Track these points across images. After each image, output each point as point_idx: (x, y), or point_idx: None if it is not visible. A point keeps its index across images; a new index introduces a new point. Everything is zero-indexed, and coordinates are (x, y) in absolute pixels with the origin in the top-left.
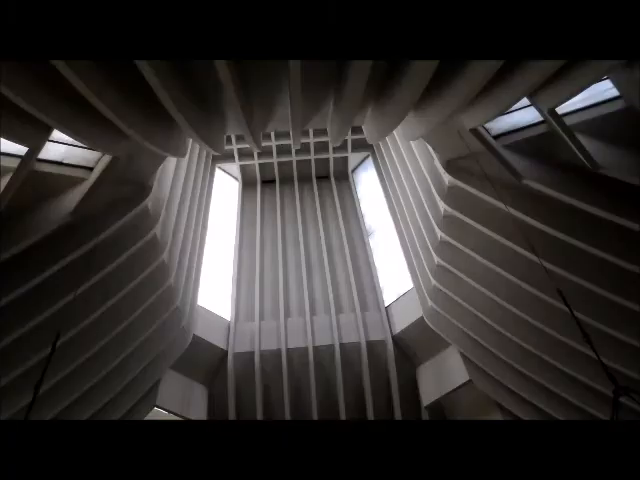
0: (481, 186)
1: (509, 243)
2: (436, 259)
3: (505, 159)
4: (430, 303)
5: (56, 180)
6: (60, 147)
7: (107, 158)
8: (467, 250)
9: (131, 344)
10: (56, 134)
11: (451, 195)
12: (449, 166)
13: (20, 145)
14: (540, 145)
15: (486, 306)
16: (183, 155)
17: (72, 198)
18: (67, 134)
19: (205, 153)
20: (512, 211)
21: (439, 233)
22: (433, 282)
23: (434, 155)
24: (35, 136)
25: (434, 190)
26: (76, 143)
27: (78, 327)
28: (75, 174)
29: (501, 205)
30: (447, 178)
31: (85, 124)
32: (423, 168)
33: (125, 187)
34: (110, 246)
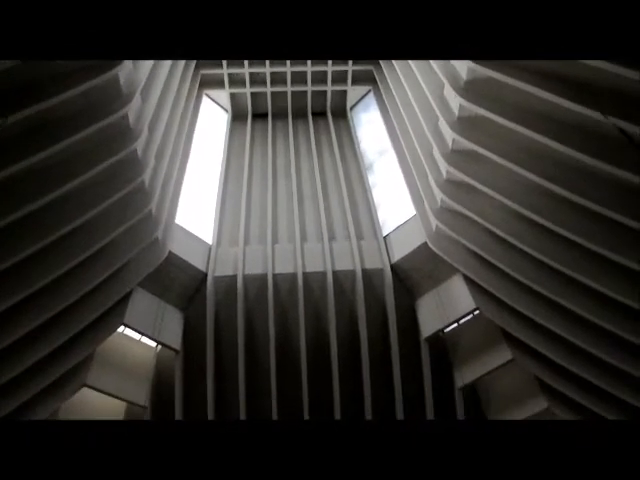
0: (505, 71)
1: (533, 134)
2: (445, 171)
3: None
4: (435, 223)
5: None
6: None
7: None
8: (482, 150)
9: (97, 241)
10: None
11: (469, 86)
12: None
13: None
14: None
15: (501, 216)
16: None
17: None
18: None
19: (191, 74)
20: (539, 92)
21: (451, 137)
22: (440, 198)
23: None
24: None
25: (449, 87)
26: None
27: (29, 207)
28: None
29: (526, 88)
30: (465, 69)
31: None
32: (436, 68)
33: None
34: (73, 118)
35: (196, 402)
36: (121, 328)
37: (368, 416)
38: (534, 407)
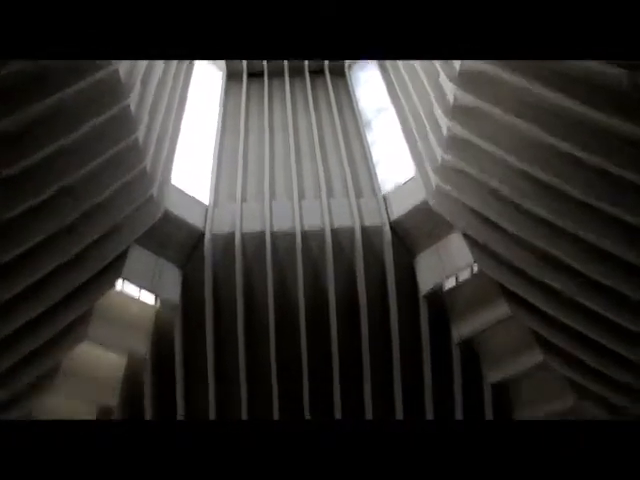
0: None
1: (539, 88)
2: (446, 128)
3: None
4: (435, 181)
5: None
6: None
7: None
8: (485, 104)
9: (90, 198)
10: None
11: None
12: None
13: None
14: None
15: (503, 173)
16: None
17: None
18: None
19: None
20: None
21: (453, 93)
22: (441, 156)
23: None
24: None
25: None
26: None
27: (17, 166)
28: None
29: None
30: None
31: None
32: None
33: None
34: (62, 73)
35: (195, 357)
36: (119, 287)
37: (366, 373)
38: (530, 359)
